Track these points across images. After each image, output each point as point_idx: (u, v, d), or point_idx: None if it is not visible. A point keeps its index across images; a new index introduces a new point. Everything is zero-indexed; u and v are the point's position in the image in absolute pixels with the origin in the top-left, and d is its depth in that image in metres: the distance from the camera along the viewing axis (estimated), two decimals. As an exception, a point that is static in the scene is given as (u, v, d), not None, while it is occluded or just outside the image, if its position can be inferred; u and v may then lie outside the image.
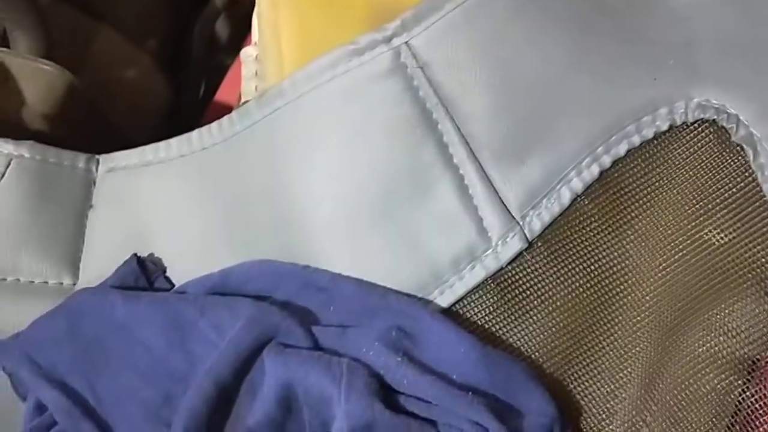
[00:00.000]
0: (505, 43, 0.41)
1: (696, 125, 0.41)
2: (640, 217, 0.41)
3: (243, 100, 0.58)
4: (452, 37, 0.41)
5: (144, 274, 0.44)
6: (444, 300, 0.40)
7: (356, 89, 0.41)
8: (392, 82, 0.41)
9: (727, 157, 0.41)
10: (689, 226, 0.41)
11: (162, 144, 0.46)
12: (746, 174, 0.40)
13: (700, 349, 0.40)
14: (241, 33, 0.73)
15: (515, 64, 0.41)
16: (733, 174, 0.40)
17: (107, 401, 0.40)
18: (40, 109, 0.54)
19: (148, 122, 0.70)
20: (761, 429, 0.38)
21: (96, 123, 0.59)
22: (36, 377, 0.40)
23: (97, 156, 0.48)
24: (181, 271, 0.44)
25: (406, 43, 0.41)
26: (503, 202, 0.40)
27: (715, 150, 0.41)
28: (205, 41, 0.74)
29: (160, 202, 0.45)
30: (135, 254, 0.44)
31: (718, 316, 0.40)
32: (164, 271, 0.45)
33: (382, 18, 0.42)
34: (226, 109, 0.69)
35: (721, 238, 0.41)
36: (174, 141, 0.45)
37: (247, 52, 0.58)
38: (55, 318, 0.42)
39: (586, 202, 0.41)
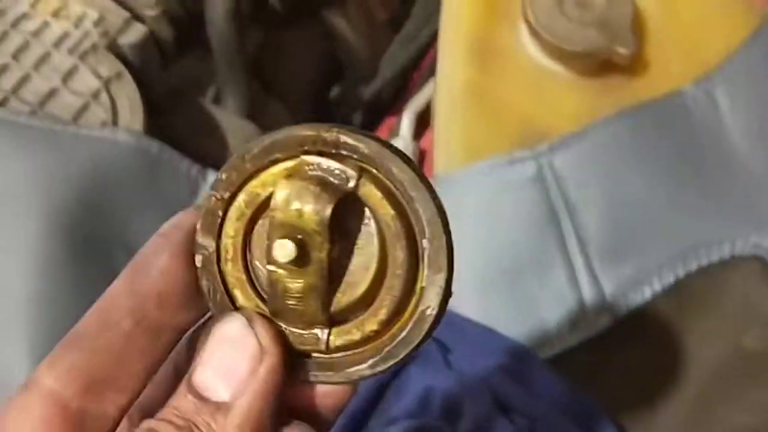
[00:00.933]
0: (620, 175, 0.56)
1: (748, 259, 0.55)
2: (700, 317, 0.55)
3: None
4: (584, 164, 0.56)
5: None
6: (545, 353, 0.54)
7: (506, 186, 0.56)
8: (534, 187, 0.56)
9: (768, 286, 0.55)
10: (733, 331, 0.55)
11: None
12: (782, 300, 0.55)
13: (725, 423, 0.53)
14: (373, 123, 0.89)
15: (624, 192, 0.56)
16: (771, 299, 0.55)
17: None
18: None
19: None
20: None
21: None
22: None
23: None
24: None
25: (549, 161, 0.56)
26: (601, 290, 0.55)
27: (760, 278, 0.55)
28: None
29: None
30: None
31: (741, 401, 0.53)
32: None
33: (528, 137, 0.58)
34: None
35: (755, 346, 0.55)
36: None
37: (396, 143, 0.74)
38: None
39: (662, 301, 0.55)
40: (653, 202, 0.56)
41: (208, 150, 0.69)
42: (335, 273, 0.26)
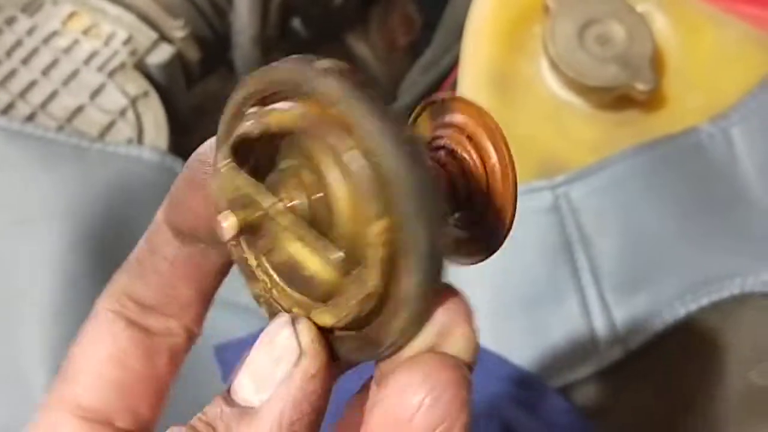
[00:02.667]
0: (634, 208, 0.57)
1: (758, 296, 0.56)
2: (710, 352, 0.56)
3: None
4: (600, 196, 0.57)
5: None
6: (556, 382, 0.55)
7: (522, 215, 0.57)
8: (549, 216, 0.57)
9: (778, 323, 0.56)
10: (741, 366, 0.55)
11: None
12: (791, 338, 0.55)
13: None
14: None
15: (639, 225, 0.57)
16: (781, 336, 0.56)
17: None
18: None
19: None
20: None
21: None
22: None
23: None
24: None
25: (565, 192, 0.57)
26: (613, 321, 0.55)
27: (769, 315, 0.56)
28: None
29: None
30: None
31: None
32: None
33: (546, 167, 0.59)
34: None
35: (762, 381, 0.55)
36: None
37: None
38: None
39: (673, 334, 0.56)
40: (666, 235, 0.57)
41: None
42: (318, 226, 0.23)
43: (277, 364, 0.24)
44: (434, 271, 0.22)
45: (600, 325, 0.55)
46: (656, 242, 0.56)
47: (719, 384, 0.56)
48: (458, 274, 0.55)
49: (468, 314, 0.24)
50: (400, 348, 0.23)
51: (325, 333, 0.24)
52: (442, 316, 0.23)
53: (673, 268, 0.56)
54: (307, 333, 0.24)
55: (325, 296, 0.24)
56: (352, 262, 0.23)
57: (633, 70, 0.59)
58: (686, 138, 0.59)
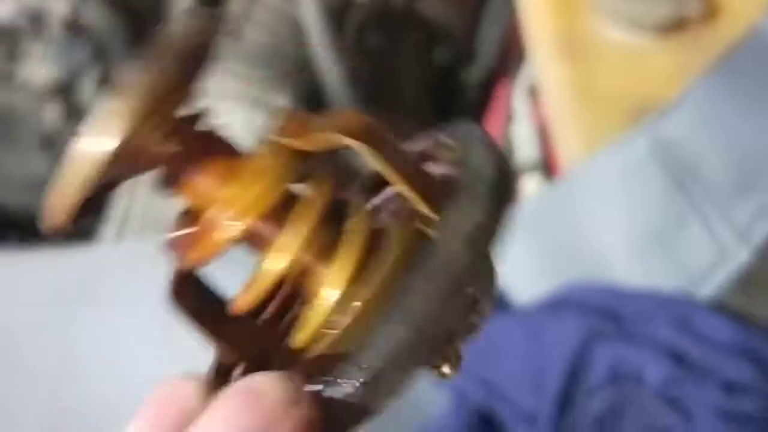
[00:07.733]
0: (724, 122, 0.63)
1: None
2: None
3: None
4: (688, 125, 0.63)
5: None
6: (704, 294, 0.63)
7: (627, 166, 0.64)
8: (651, 159, 0.64)
9: None
10: None
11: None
12: None
13: None
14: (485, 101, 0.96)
15: (733, 137, 0.62)
16: None
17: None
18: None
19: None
20: None
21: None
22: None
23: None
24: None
25: (657, 133, 0.64)
26: (734, 226, 0.62)
27: None
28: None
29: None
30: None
31: None
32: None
33: (632, 110, 0.65)
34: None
35: None
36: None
37: (518, 127, 0.81)
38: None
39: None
40: (759, 137, 0.62)
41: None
42: None
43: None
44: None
45: (723, 234, 0.62)
46: (753, 150, 0.62)
47: None
48: (582, 223, 0.63)
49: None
50: None
51: None
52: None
53: (771, 163, 0.62)
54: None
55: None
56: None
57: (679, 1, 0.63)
58: (750, 39, 0.64)
